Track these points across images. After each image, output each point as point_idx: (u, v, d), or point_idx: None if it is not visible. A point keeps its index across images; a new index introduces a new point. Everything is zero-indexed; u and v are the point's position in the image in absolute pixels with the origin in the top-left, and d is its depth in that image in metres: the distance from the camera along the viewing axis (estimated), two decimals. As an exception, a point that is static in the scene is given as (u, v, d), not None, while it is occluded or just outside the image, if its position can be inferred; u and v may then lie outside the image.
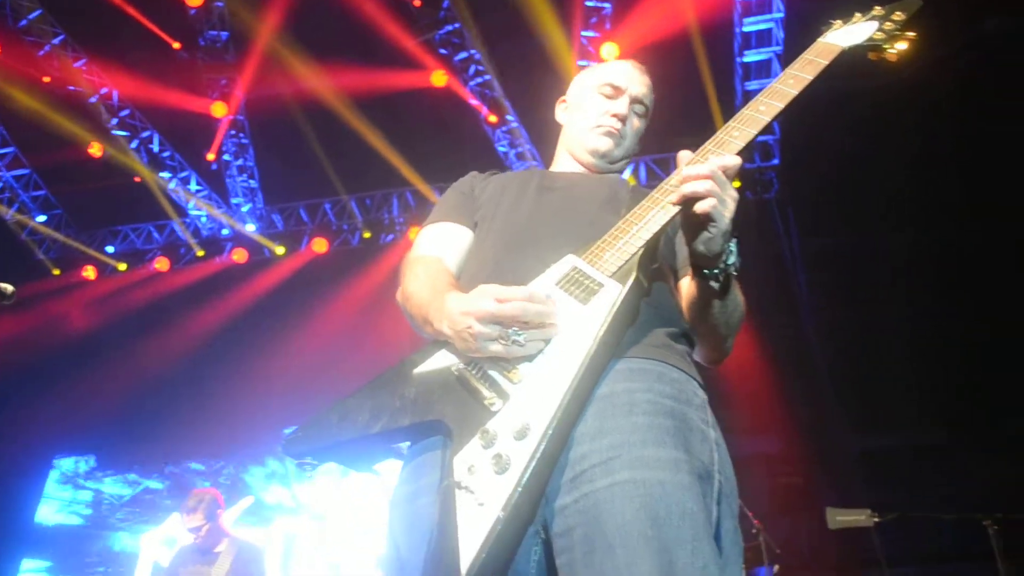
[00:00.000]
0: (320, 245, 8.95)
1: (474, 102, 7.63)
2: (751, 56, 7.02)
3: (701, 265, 1.49)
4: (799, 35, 6.78)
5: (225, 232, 9.21)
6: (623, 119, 1.95)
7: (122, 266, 9.44)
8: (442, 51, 7.35)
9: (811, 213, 7.26)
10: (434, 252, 1.79)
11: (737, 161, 1.44)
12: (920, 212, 6.25)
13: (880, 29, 1.75)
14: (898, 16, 1.75)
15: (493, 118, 7.70)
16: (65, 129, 7.91)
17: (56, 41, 7.46)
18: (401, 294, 1.73)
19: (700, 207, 1.38)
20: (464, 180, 2.02)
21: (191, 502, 4.93)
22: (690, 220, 1.43)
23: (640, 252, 1.48)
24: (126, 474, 9.14)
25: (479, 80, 7.50)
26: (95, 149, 8.27)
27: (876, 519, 4.61)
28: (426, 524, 1.34)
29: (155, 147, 8.40)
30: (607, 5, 7.05)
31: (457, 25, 7.16)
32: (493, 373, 1.42)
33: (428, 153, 7.89)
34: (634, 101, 1.98)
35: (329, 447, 1.48)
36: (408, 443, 1.54)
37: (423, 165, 8.14)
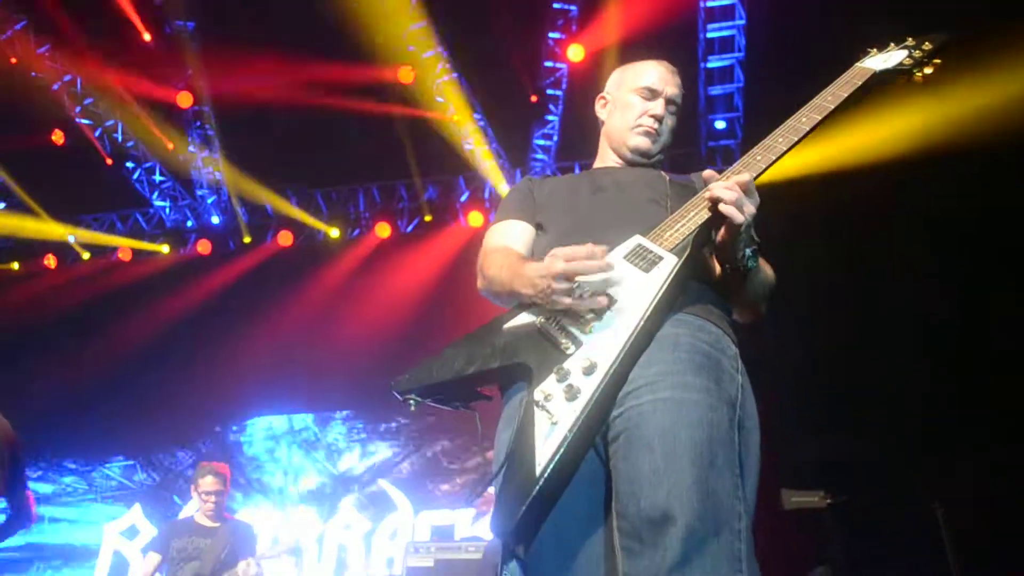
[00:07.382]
0: (285, 238, 8.93)
1: (440, 99, 7.66)
2: (714, 62, 7.15)
3: (724, 260, 1.80)
4: (761, 41, 6.91)
5: (189, 224, 9.16)
6: (660, 119, 2.20)
7: (86, 254, 9.35)
8: (410, 48, 7.38)
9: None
10: (503, 244, 2.07)
11: (746, 178, 1.70)
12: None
13: (910, 56, 1.98)
14: (927, 46, 1.98)
15: (458, 117, 7.72)
16: (27, 115, 7.81)
17: (18, 27, 7.37)
18: (482, 280, 2.01)
19: (723, 208, 1.67)
20: (521, 184, 2.29)
21: (210, 467, 5.08)
22: (716, 221, 1.74)
23: (695, 232, 1.76)
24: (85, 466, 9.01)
25: (446, 78, 7.53)
26: (57, 136, 8.19)
27: (829, 501, 4.93)
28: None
29: (119, 136, 8.34)
30: (573, 8, 7.13)
31: (423, 23, 7.19)
32: (569, 326, 1.70)
33: (394, 149, 7.92)
34: (669, 102, 2.22)
35: (430, 386, 1.77)
36: (500, 384, 1.85)
37: (390, 160, 8.17)
